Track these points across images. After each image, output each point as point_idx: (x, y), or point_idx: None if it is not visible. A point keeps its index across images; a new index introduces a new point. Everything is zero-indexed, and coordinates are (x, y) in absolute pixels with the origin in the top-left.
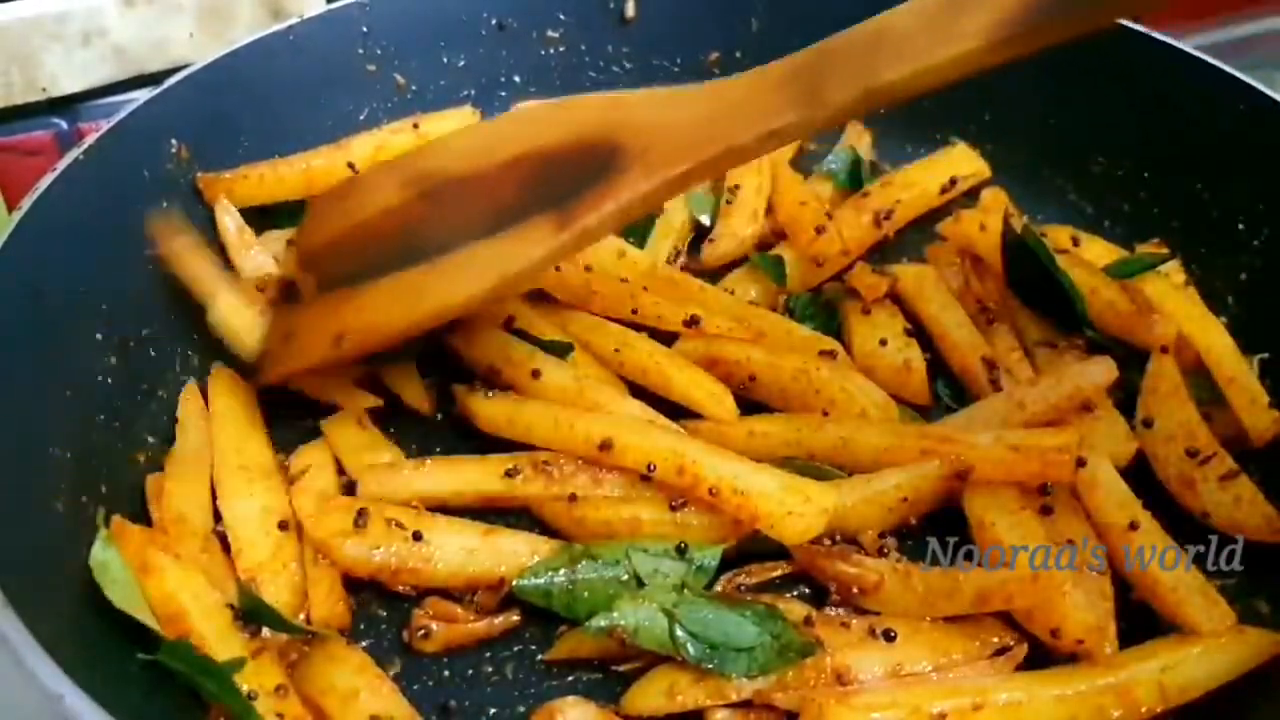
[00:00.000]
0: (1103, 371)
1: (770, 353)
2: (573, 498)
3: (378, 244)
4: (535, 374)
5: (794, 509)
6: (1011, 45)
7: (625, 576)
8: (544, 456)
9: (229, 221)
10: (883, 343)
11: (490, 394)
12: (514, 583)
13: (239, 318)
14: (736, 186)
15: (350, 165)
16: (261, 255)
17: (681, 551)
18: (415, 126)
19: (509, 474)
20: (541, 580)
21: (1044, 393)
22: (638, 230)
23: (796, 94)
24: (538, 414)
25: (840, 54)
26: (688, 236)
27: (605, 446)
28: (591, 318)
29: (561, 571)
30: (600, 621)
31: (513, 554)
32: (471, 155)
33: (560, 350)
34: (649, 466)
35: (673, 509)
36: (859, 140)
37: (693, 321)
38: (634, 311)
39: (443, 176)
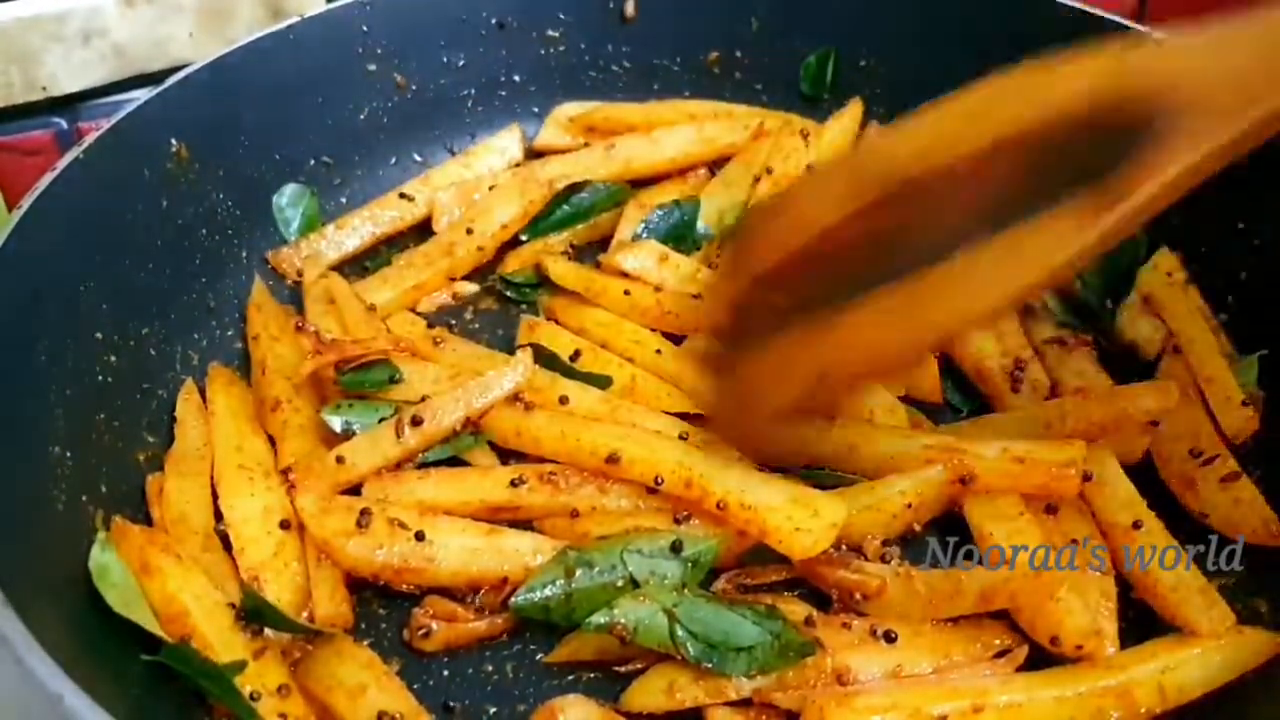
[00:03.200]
0: (1158, 398)
1: None
2: (575, 513)
3: (842, 261)
4: (563, 400)
5: (801, 524)
6: None
7: (620, 582)
8: (550, 467)
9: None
10: None
11: None
12: (512, 601)
13: None
14: None
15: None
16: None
17: (676, 549)
18: (451, 152)
19: (514, 484)
20: (537, 595)
21: (1089, 409)
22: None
23: None
24: (544, 426)
25: None
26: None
27: (612, 460)
28: (607, 315)
29: (558, 582)
30: (601, 618)
31: (515, 553)
32: (932, 151)
33: (600, 383)
34: (656, 479)
35: (677, 522)
36: None
37: None
38: None
39: (901, 177)
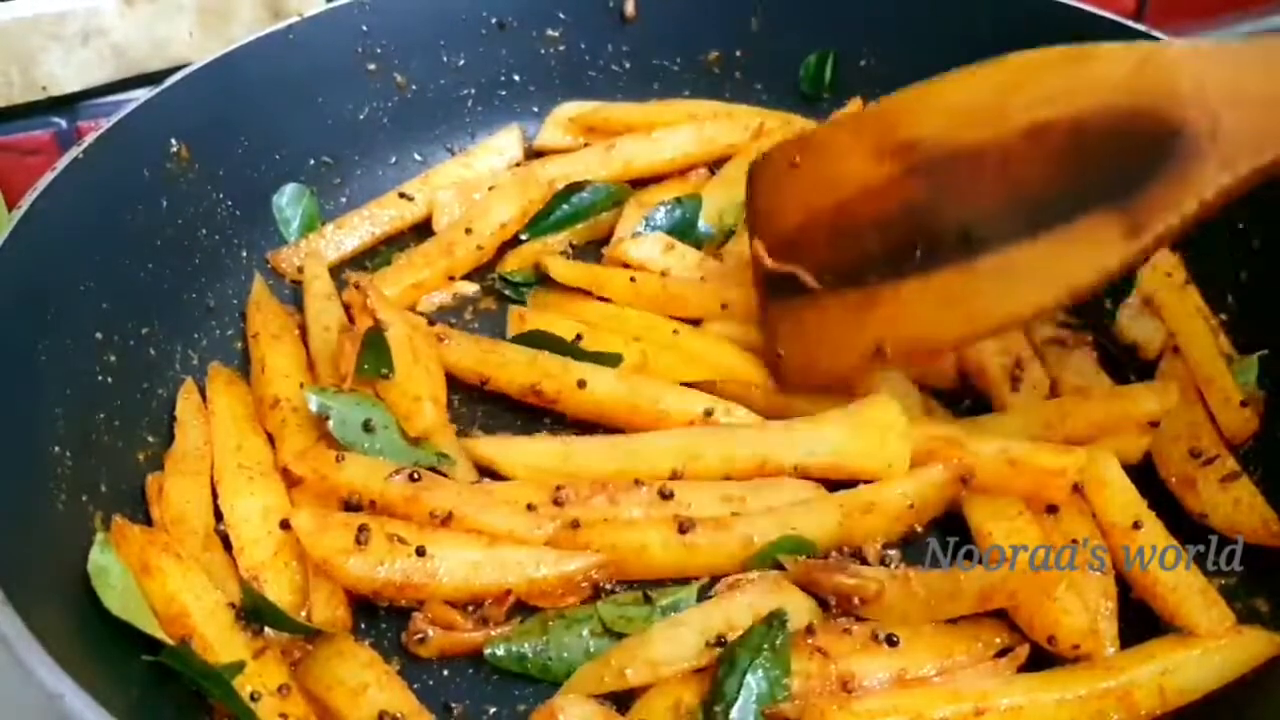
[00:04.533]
0: (1158, 398)
1: None
2: (575, 524)
3: (876, 230)
4: (581, 384)
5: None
6: None
7: (597, 630)
8: (556, 481)
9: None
10: None
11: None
12: (486, 653)
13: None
14: None
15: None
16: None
17: (648, 599)
18: (451, 152)
19: (530, 509)
20: (514, 647)
21: (1089, 409)
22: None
23: None
24: (595, 457)
25: None
26: (724, 238)
27: (676, 476)
28: (609, 306)
29: (535, 640)
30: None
31: (518, 565)
32: (969, 120)
33: (610, 361)
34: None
35: (681, 531)
36: None
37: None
38: (724, 306)
39: (937, 148)
